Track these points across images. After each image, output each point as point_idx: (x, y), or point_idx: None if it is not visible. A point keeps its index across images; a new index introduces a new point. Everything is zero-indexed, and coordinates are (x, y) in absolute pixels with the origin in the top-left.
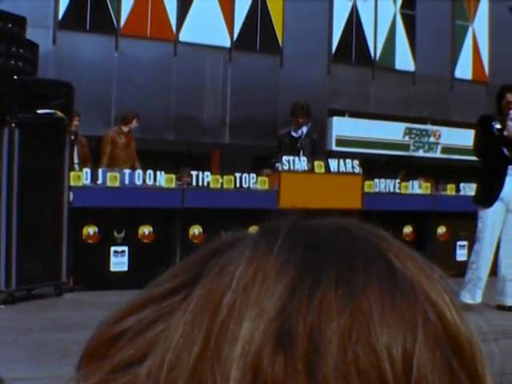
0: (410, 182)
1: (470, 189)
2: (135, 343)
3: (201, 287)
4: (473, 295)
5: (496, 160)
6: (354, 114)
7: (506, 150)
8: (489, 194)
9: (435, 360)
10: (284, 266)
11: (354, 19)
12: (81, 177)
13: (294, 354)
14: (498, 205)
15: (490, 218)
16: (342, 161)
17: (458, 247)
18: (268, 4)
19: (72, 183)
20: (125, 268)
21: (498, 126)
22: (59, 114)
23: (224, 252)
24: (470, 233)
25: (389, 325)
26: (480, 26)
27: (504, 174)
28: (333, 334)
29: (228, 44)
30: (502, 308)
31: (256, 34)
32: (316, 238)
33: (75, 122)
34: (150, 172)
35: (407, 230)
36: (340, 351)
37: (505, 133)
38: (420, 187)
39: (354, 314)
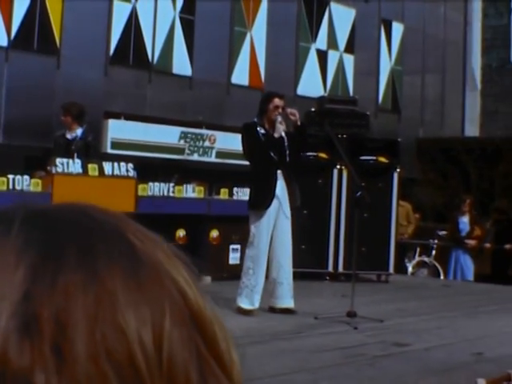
0: (185, 185)
1: (242, 193)
2: None
3: None
4: (251, 301)
5: (266, 165)
6: (130, 117)
7: (273, 154)
8: (262, 199)
9: (183, 337)
10: (23, 251)
11: (133, 22)
12: None
13: (40, 338)
14: (270, 209)
15: (264, 223)
16: (116, 164)
17: (230, 250)
18: (47, 4)
19: None
20: None
21: (263, 131)
22: None
23: None
24: (243, 236)
25: (136, 303)
26: (258, 33)
27: (275, 179)
28: (79, 316)
29: (5, 43)
30: (273, 310)
31: (34, 33)
32: (54, 221)
33: None
34: None
35: (181, 233)
36: (88, 332)
37: (275, 135)
38: (194, 191)
39: (99, 294)
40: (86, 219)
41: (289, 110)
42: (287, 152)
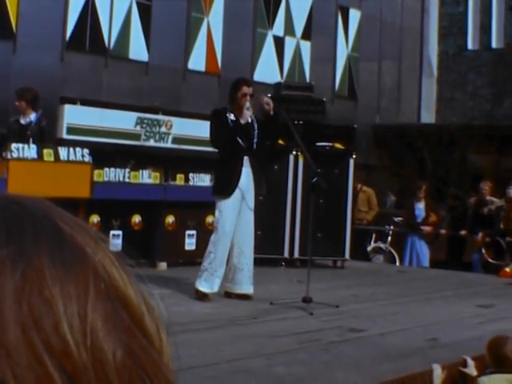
0: (140, 171)
1: (198, 179)
2: None
3: None
4: (211, 284)
5: (232, 151)
6: (86, 102)
7: (241, 141)
8: (227, 185)
9: (107, 311)
10: None
11: (90, 7)
12: None
13: None
14: (235, 196)
15: (228, 209)
16: (72, 149)
17: (186, 236)
18: None
19: None
20: None
21: (233, 117)
22: None
23: None
24: (199, 222)
25: (61, 279)
26: (215, 19)
27: (241, 165)
28: (7, 289)
29: None
30: (229, 295)
31: None
32: None
33: None
34: None
35: (136, 219)
36: (15, 304)
37: (242, 121)
38: (150, 177)
39: (26, 270)
40: (16, 206)
41: (265, 100)
42: (255, 140)
